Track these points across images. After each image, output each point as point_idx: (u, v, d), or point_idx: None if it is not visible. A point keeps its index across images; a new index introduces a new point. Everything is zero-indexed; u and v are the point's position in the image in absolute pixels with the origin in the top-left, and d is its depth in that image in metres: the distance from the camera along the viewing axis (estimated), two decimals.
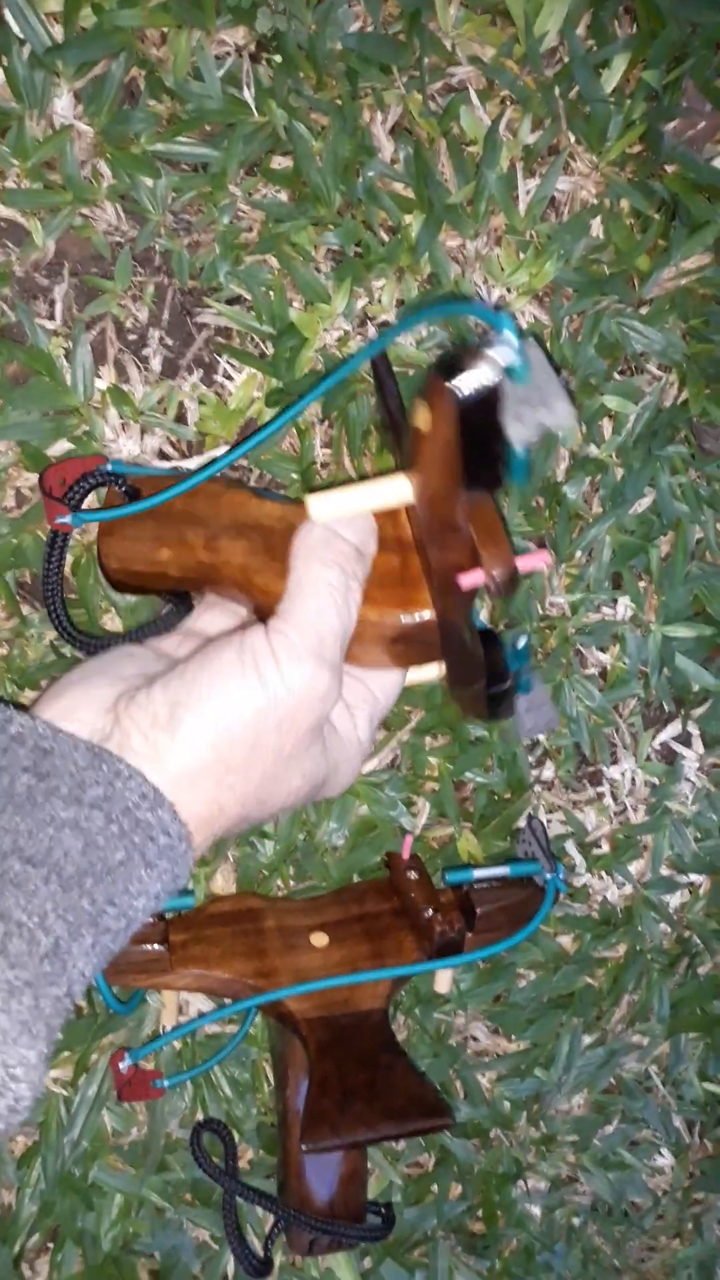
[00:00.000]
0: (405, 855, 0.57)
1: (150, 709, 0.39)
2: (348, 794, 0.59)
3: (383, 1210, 0.57)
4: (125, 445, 0.53)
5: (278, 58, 0.52)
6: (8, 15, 0.48)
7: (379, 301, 0.55)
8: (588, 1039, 0.67)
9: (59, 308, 0.51)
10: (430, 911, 0.54)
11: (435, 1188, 0.65)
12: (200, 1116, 0.60)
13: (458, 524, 0.40)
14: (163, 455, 0.54)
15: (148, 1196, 0.60)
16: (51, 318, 0.51)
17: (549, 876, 0.57)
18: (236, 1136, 0.59)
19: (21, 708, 0.40)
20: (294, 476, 0.55)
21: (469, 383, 0.36)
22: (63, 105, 0.49)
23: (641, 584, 0.63)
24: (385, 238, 0.55)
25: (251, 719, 0.39)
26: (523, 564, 0.41)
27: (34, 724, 0.37)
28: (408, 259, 0.55)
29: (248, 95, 0.52)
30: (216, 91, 0.51)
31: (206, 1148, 0.56)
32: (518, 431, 0.38)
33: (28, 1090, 0.33)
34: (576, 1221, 0.69)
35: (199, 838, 0.39)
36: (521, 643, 0.44)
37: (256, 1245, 0.60)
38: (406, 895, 0.56)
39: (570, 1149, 0.68)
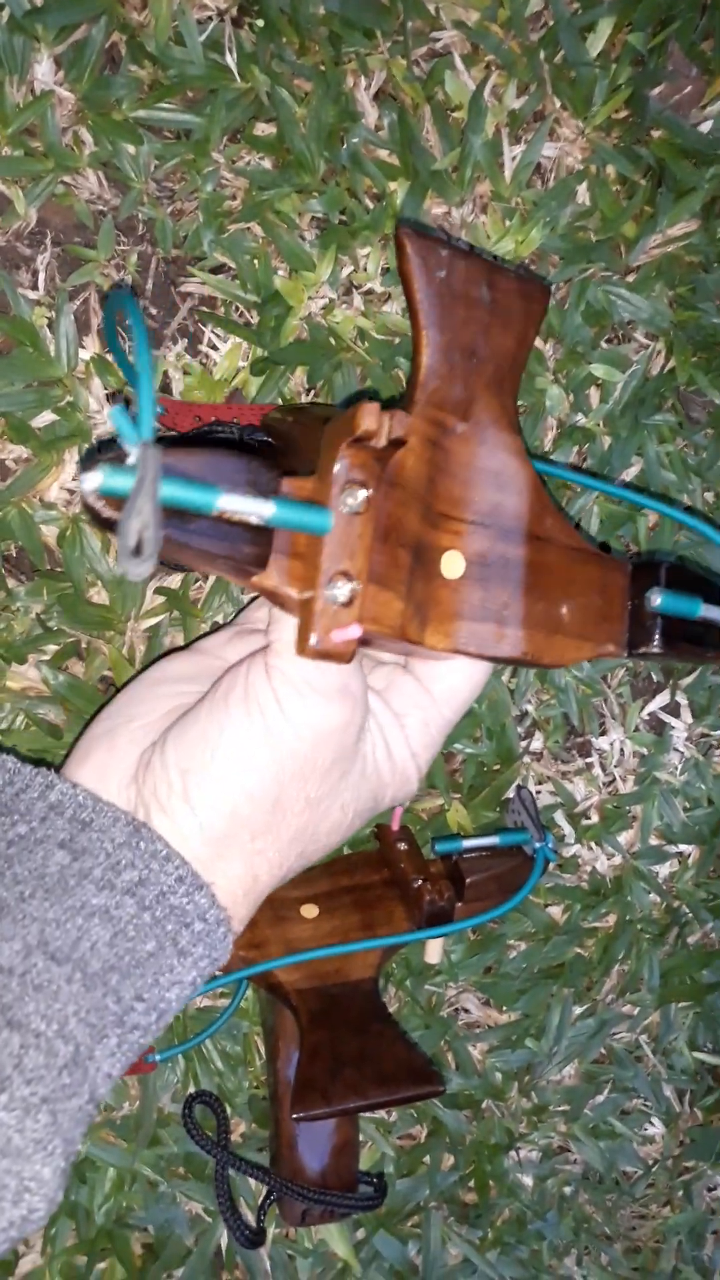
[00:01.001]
0: (395, 826, 0.58)
1: (165, 777, 0.37)
2: None
3: (374, 1181, 0.59)
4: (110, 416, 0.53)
5: (260, 22, 0.52)
6: None
7: (364, 269, 0.56)
8: (578, 1009, 0.68)
9: (41, 277, 0.52)
10: (420, 881, 0.55)
11: (427, 1159, 0.66)
12: (192, 1090, 0.60)
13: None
14: None
15: (140, 1170, 0.61)
16: (34, 287, 0.52)
17: (538, 845, 0.58)
18: (229, 1109, 0.60)
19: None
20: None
21: None
22: (43, 71, 0.50)
23: (630, 552, 0.64)
24: (370, 205, 0.55)
25: (267, 775, 0.37)
26: None
27: (74, 792, 0.36)
28: (393, 226, 0.55)
29: (230, 60, 0.52)
30: (199, 56, 0.51)
31: (199, 1121, 0.57)
32: None
33: (42, 1203, 0.32)
34: (568, 1190, 0.70)
35: (238, 914, 0.38)
36: None
37: (250, 1217, 0.61)
38: (396, 866, 0.57)
39: (561, 1119, 0.70)
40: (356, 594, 0.35)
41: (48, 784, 0.37)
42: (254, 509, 0.31)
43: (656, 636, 0.41)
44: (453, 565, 0.39)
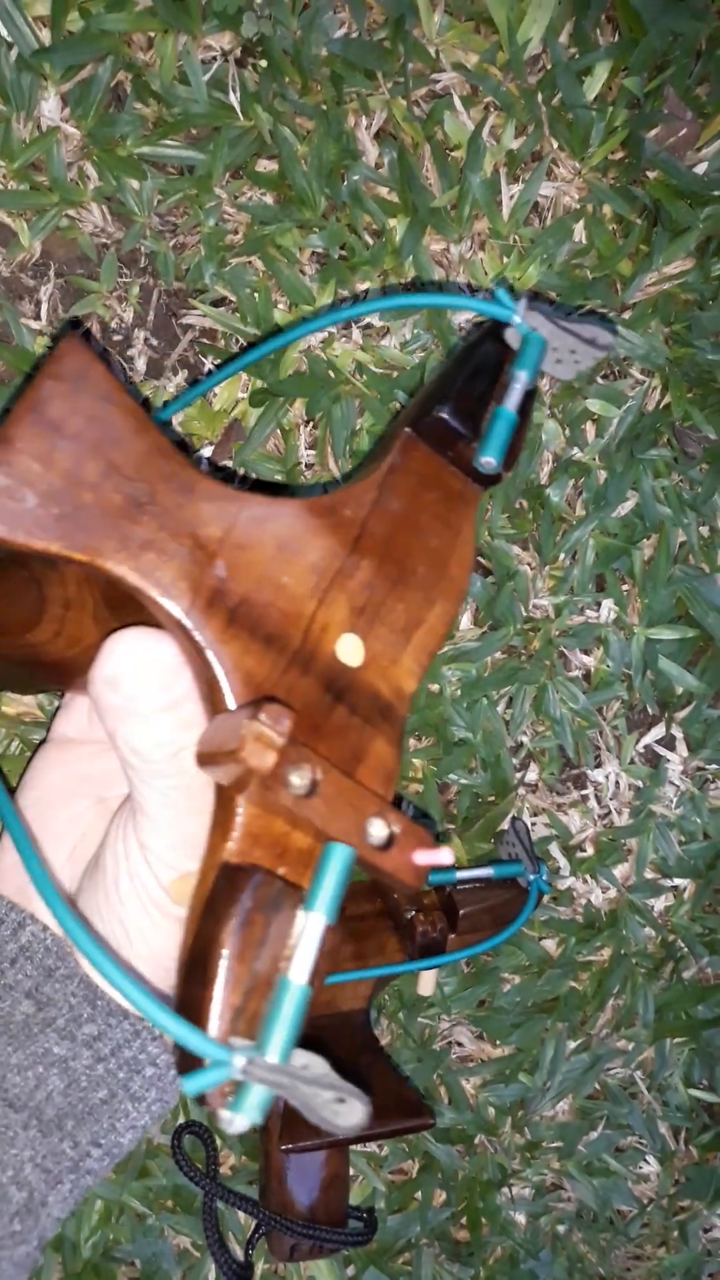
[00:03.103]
0: None
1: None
2: None
3: (365, 1216, 0.59)
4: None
5: (263, 62, 0.54)
6: None
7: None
8: (572, 1044, 0.68)
9: (44, 308, 0.53)
10: (413, 912, 0.56)
11: (419, 1194, 0.66)
12: (182, 1120, 0.60)
13: None
14: None
15: (128, 1203, 0.61)
16: (37, 318, 0.53)
17: (532, 878, 0.58)
18: (218, 1141, 0.60)
19: None
20: (279, 478, 0.57)
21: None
22: (50, 107, 0.51)
23: (625, 587, 0.65)
24: (370, 241, 0.56)
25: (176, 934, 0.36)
26: None
27: (43, 936, 0.37)
28: (392, 262, 0.57)
29: (233, 99, 0.53)
30: (202, 95, 0.53)
31: (188, 1152, 0.57)
32: (564, 370, 0.41)
33: None
34: (561, 1229, 0.70)
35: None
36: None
37: (238, 1251, 0.61)
38: (389, 896, 0.57)
39: (555, 1155, 0.70)
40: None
41: (19, 923, 0.37)
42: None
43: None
44: (347, 650, 0.36)
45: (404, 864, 0.32)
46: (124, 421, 0.32)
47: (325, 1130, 0.28)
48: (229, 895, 0.31)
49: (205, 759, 0.32)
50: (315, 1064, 0.29)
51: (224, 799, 0.32)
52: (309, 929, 0.30)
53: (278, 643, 0.34)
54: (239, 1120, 0.28)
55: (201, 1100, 0.29)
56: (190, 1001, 0.31)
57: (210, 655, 0.32)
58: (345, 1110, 0.28)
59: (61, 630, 0.39)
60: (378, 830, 0.32)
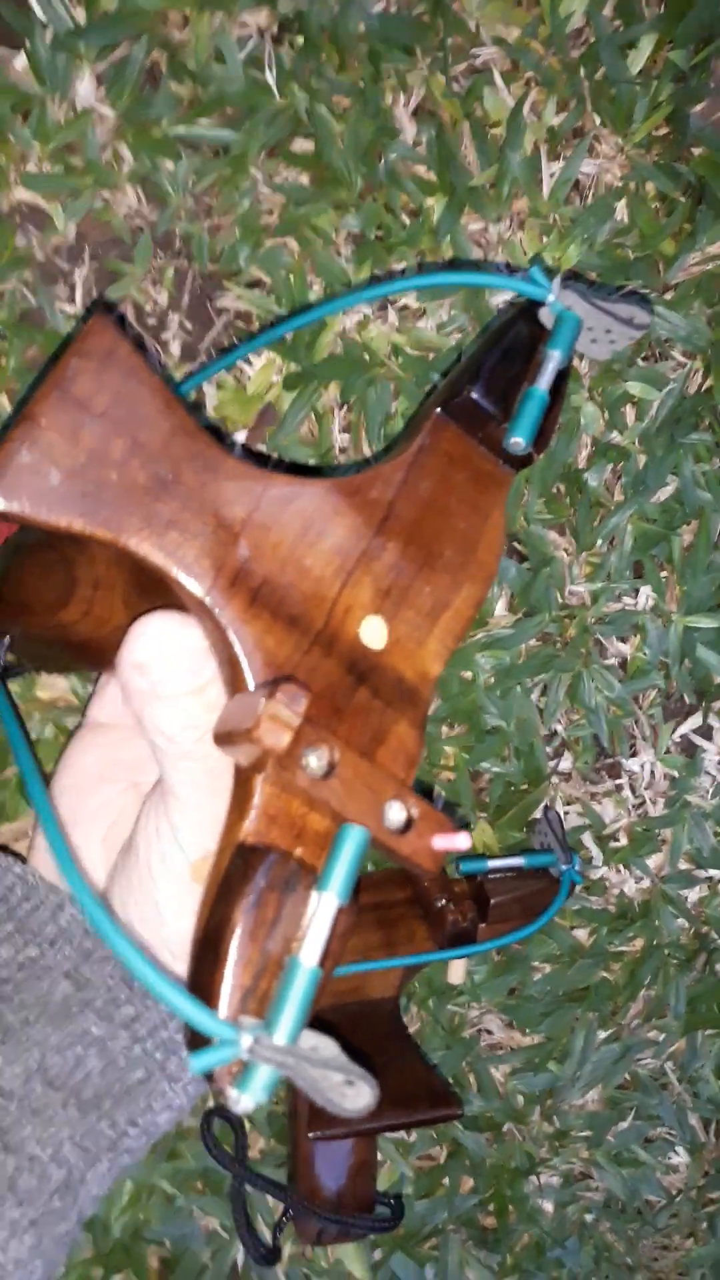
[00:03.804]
0: None
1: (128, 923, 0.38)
2: None
3: (392, 1202, 0.60)
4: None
5: (300, 39, 0.54)
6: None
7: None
8: (603, 1034, 0.70)
9: (79, 291, 0.54)
10: (443, 901, 0.57)
11: (446, 1180, 0.68)
12: (211, 1105, 0.62)
13: None
14: None
15: (158, 1184, 0.63)
16: (71, 301, 0.54)
17: (564, 868, 0.59)
18: (247, 1125, 0.62)
19: None
20: (312, 462, 0.58)
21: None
22: (84, 88, 0.52)
23: (663, 573, 0.65)
24: (407, 221, 0.57)
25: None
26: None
27: (82, 918, 0.38)
28: (429, 242, 0.57)
29: (269, 77, 0.54)
30: (238, 74, 0.53)
31: (217, 1136, 0.59)
32: (600, 350, 0.41)
33: None
34: (589, 1218, 0.72)
35: None
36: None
37: (266, 1234, 0.63)
38: (419, 884, 0.59)
39: (583, 1144, 0.71)
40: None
41: (59, 905, 0.39)
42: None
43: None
44: (370, 633, 0.36)
45: (421, 848, 0.33)
46: (151, 400, 0.33)
47: (334, 1113, 0.29)
48: (243, 875, 0.32)
49: (222, 738, 0.33)
50: (325, 1046, 0.30)
51: (242, 779, 0.33)
52: (321, 910, 0.31)
53: (300, 624, 0.34)
54: (245, 1099, 0.29)
55: (209, 1078, 0.30)
56: (201, 980, 0.32)
57: (231, 635, 0.33)
58: (353, 1093, 0.29)
59: (90, 610, 0.40)
60: (395, 813, 0.33)
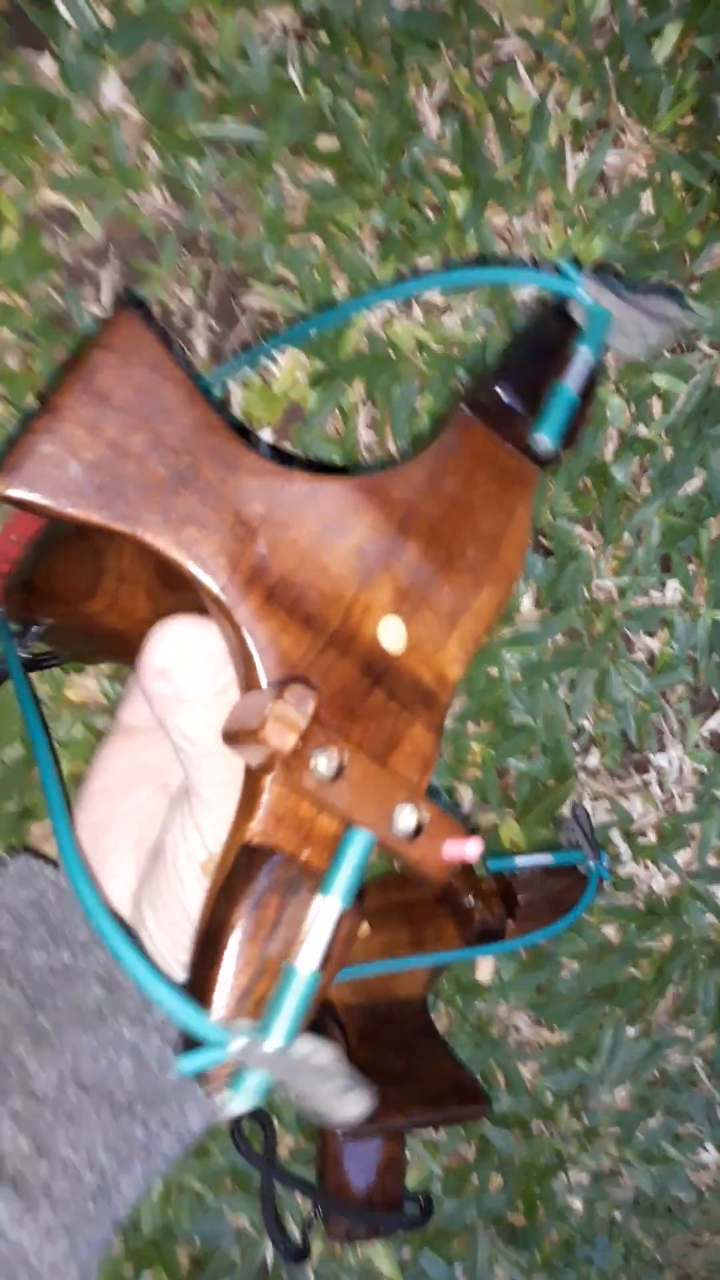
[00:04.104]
0: None
1: (155, 936, 0.38)
2: None
3: (421, 1200, 0.61)
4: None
5: (324, 35, 0.55)
6: (57, 2, 0.51)
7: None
8: (631, 1031, 0.70)
9: (106, 292, 0.55)
10: (471, 899, 0.58)
11: (475, 1178, 0.69)
12: None
13: None
14: None
15: (188, 1182, 0.64)
16: (99, 302, 0.55)
17: (592, 865, 0.60)
18: (276, 1123, 0.63)
19: None
20: (337, 459, 0.58)
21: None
22: (110, 90, 0.53)
23: (691, 567, 0.66)
24: (431, 216, 0.58)
25: None
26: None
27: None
28: (454, 237, 0.58)
29: (293, 74, 0.54)
30: (262, 72, 0.54)
31: (246, 1134, 0.60)
32: (633, 347, 0.41)
33: None
34: (618, 1215, 0.73)
35: None
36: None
37: (295, 1232, 0.64)
38: (447, 882, 0.59)
39: (612, 1142, 0.72)
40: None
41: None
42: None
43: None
44: (388, 634, 0.36)
45: (431, 854, 0.33)
46: (173, 394, 0.33)
47: (324, 1122, 0.29)
48: (245, 875, 0.32)
49: (230, 737, 0.33)
50: (322, 1052, 0.30)
51: (251, 778, 0.33)
52: (322, 914, 0.31)
53: (316, 623, 0.34)
54: (236, 1102, 0.29)
55: (202, 1079, 0.31)
56: (198, 980, 0.32)
57: (245, 632, 0.33)
58: (346, 1102, 0.29)
59: (115, 602, 0.40)
60: (406, 818, 0.33)
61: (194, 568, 0.33)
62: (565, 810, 0.66)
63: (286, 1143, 0.66)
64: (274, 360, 0.57)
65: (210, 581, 0.33)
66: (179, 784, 0.43)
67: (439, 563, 0.37)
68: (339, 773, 0.32)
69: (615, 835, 0.68)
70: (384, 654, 0.36)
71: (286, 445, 0.58)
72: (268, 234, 0.55)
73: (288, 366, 0.57)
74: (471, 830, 0.44)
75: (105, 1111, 0.36)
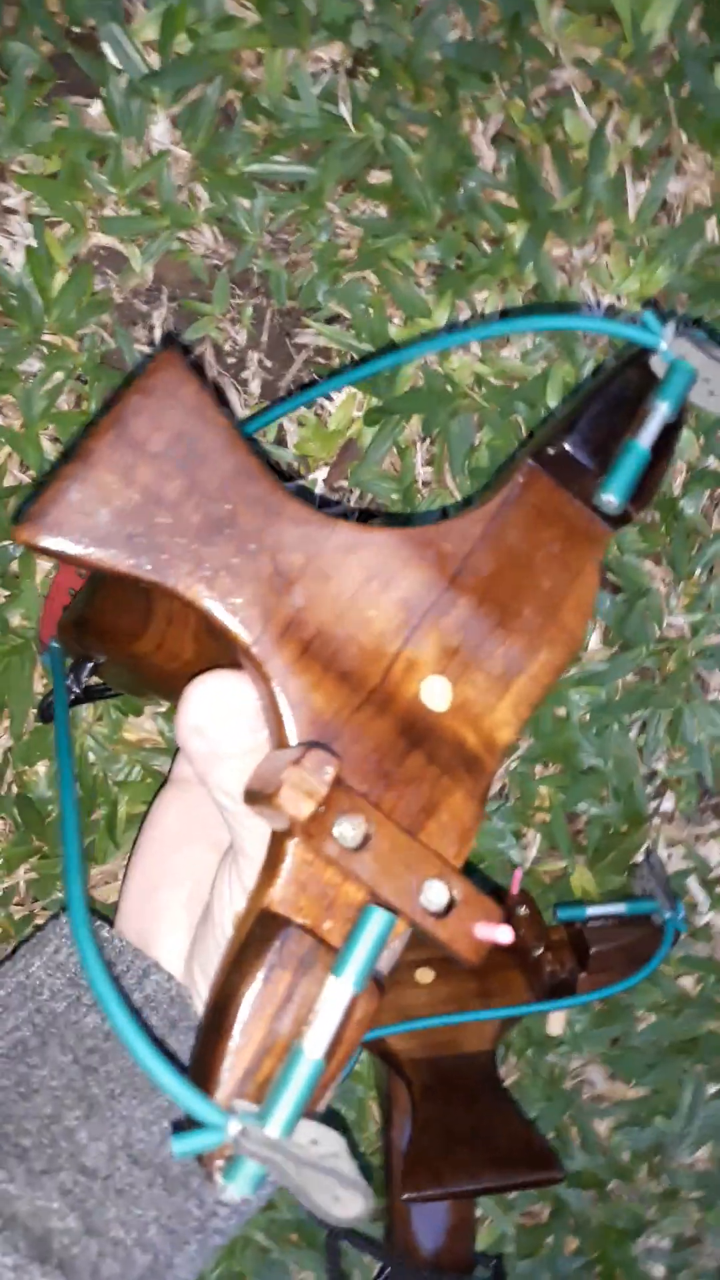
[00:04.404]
0: (514, 890, 0.58)
1: (202, 998, 0.38)
2: None
3: (493, 1262, 0.58)
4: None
5: (374, 71, 0.54)
6: (105, 47, 0.51)
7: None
8: (713, 1088, 0.67)
9: (158, 332, 0.54)
10: (541, 950, 0.55)
11: (550, 1240, 0.65)
12: None
13: None
14: None
15: (253, 1235, 0.62)
16: (151, 343, 0.54)
17: (667, 916, 0.57)
18: None
19: None
20: (395, 497, 0.57)
21: None
22: (159, 131, 0.52)
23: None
24: (488, 249, 0.56)
25: None
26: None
27: (168, 986, 0.38)
28: (511, 269, 0.56)
29: (344, 111, 0.54)
30: (313, 109, 0.53)
31: None
32: (717, 404, 0.38)
33: None
34: None
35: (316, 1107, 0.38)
36: None
37: None
38: (516, 932, 0.57)
39: (695, 1206, 0.68)
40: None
41: (144, 972, 0.38)
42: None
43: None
44: (433, 694, 0.34)
45: (461, 935, 0.31)
46: (212, 440, 0.32)
47: (319, 1218, 0.27)
48: (259, 947, 0.30)
49: (250, 798, 0.32)
50: (327, 1141, 0.28)
51: (275, 841, 0.32)
52: (331, 997, 0.29)
53: (353, 679, 0.33)
54: (230, 1190, 0.28)
55: (201, 1161, 0.29)
56: (204, 1055, 0.31)
57: (276, 686, 0.32)
58: (342, 1202, 0.26)
59: (163, 644, 0.39)
60: (436, 894, 0.31)
61: (225, 619, 0.32)
62: (639, 857, 0.63)
63: None
64: (329, 398, 0.56)
65: (243, 633, 0.32)
66: (229, 840, 0.42)
67: (492, 621, 0.35)
68: (364, 842, 0.30)
69: (693, 883, 0.65)
70: (426, 715, 0.34)
71: (343, 483, 0.57)
72: (320, 270, 0.54)
73: (343, 403, 0.56)
74: (509, 915, 0.40)
75: (159, 1186, 0.35)
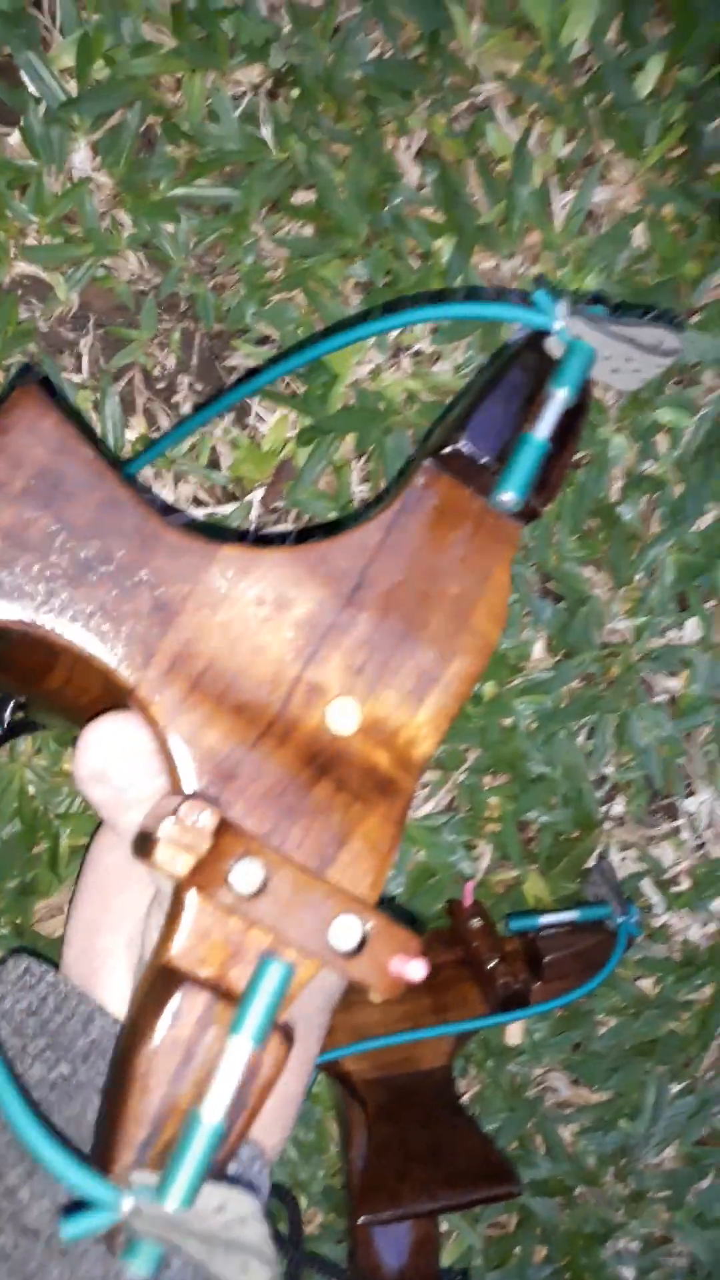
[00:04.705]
0: (467, 902, 0.58)
1: None
2: (404, 840, 0.60)
3: (459, 1278, 0.58)
4: (158, 494, 0.54)
5: (295, 92, 0.53)
6: (22, 75, 0.50)
7: (412, 330, 0.56)
8: (675, 1087, 0.67)
9: (85, 360, 0.53)
10: (494, 961, 0.55)
11: (518, 1250, 0.65)
12: None
13: None
14: (197, 502, 0.56)
15: None
16: (79, 371, 0.54)
17: (620, 920, 0.57)
18: (305, 1201, 0.60)
19: None
20: (332, 516, 0.56)
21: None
22: (80, 158, 0.52)
23: (709, 604, 0.63)
24: (415, 265, 0.56)
25: None
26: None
27: (112, 1029, 0.36)
28: (440, 284, 0.56)
29: (266, 132, 0.53)
30: (234, 131, 0.53)
31: (273, 1214, 0.57)
32: (626, 381, 0.37)
33: None
34: None
35: (273, 1140, 0.36)
36: None
37: None
38: (469, 944, 0.57)
39: (663, 1206, 0.68)
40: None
41: (88, 1017, 0.37)
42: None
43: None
44: (340, 717, 0.33)
45: (375, 972, 0.30)
46: (78, 475, 0.31)
47: None
48: (155, 1006, 0.29)
49: (136, 850, 0.31)
50: (235, 1205, 0.26)
51: (176, 892, 0.30)
52: (229, 1056, 0.28)
53: (249, 711, 0.32)
54: (134, 1269, 0.26)
55: (106, 1239, 0.27)
56: (101, 1124, 0.29)
57: (165, 726, 0.31)
58: (251, 1272, 0.25)
59: (71, 679, 0.38)
60: (346, 931, 0.30)
61: (105, 660, 0.31)
62: (591, 862, 0.63)
63: (316, 1220, 0.63)
64: (261, 419, 0.56)
65: (125, 673, 0.31)
66: None
67: (398, 635, 0.33)
68: (263, 885, 0.29)
69: (647, 885, 0.65)
70: (333, 741, 0.32)
71: (280, 504, 0.57)
72: (248, 292, 0.54)
73: (276, 423, 0.55)
74: (424, 941, 0.38)
75: (104, 1245, 0.34)
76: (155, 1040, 0.28)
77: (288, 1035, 0.30)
